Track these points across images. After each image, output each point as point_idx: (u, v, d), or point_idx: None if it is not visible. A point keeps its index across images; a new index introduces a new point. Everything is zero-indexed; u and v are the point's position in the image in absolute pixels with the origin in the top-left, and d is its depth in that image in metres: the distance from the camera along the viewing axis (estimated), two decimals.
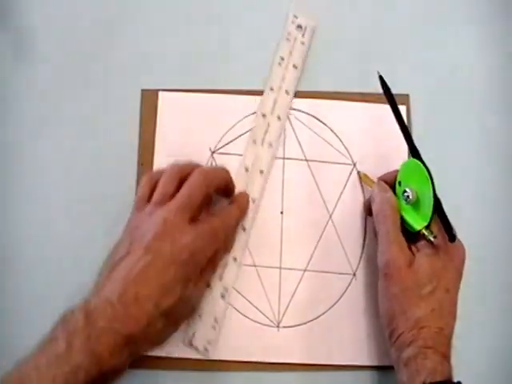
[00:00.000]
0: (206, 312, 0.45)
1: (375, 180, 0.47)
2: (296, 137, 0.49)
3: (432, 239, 0.41)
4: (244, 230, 0.46)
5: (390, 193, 0.44)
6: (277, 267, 0.47)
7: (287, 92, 0.49)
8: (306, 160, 0.49)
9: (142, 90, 0.49)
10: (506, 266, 0.48)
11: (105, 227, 0.46)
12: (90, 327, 0.36)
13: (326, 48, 0.51)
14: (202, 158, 0.48)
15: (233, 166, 0.48)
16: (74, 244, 0.46)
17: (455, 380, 0.39)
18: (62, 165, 0.48)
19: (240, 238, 0.46)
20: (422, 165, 0.42)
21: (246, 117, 0.49)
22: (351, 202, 0.48)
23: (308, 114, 0.49)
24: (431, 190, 0.41)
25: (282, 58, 0.49)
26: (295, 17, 0.50)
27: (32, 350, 0.36)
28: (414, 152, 0.43)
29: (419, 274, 0.41)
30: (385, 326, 0.42)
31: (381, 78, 0.43)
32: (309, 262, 0.47)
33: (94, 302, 0.37)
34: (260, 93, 0.49)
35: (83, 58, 0.50)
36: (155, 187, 0.42)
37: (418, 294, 0.40)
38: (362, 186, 0.48)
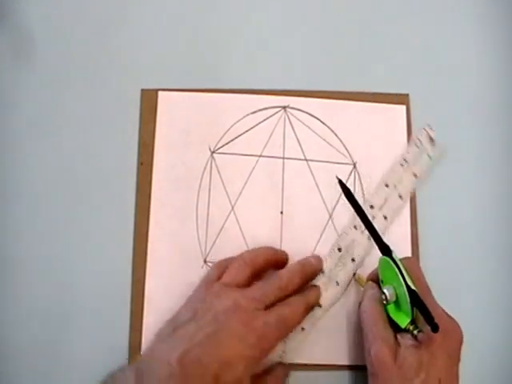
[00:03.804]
0: None
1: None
2: (296, 137, 0.49)
3: (416, 334, 0.39)
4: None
5: (376, 289, 0.42)
6: None
7: (400, 197, 0.47)
8: (306, 160, 0.49)
9: (142, 90, 0.49)
10: None
11: (104, 227, 0.46)
12: None
13: (325, 47, 0.51)
14: (202, 158, 0.48)
15: (233, 166, 0.48)
16: (73, 244, 0.46)
17: None
18: (62, 164, 0.48)
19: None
20: (391, 261, 0.40)
21: (246, 116, 0.49)
22: None
23: (308, 113, 0.49)
24: (404, 285, 0.39)
25: (406, 161, 0.48)
26: (431, 128, 0.49)
27: None
28: (381, 248, 0.41)
29: (404, 368, 0.38)
30: None
31: (340, 182, 0.43)
32: None
33: (148, 362, 0.36)
34: (260, 92, 0.49)
35: (83, 58, 0.50)
36: (223, 272, 0.42)
37: None
38: (362, 186, 0.48)
